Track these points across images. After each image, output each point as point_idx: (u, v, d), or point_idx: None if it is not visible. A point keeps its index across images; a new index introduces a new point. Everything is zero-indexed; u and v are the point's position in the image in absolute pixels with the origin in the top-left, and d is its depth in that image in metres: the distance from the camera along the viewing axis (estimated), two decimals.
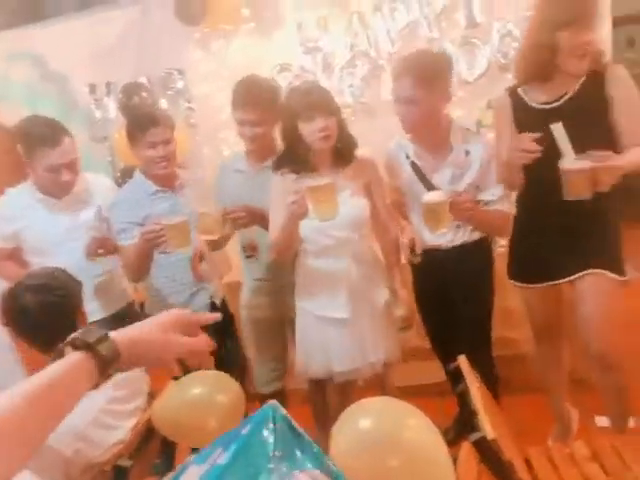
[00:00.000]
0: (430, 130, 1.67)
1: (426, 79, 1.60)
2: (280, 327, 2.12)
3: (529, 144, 1.59)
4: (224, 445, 0.84)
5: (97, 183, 2.24)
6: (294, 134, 1.66)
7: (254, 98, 1.90)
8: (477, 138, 1.79)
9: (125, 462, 1.22)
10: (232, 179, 2.05)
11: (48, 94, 3.72)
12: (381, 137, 2.05)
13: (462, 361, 1.48)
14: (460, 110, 1.93)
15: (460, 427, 2.09)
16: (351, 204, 1.70)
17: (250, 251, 1.91)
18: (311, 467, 0.79)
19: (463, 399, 1.58)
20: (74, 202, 2.10)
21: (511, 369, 2.10)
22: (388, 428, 0.91)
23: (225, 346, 2.09)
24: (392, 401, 1.03)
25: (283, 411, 0.86)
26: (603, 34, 1.73)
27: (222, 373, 1.54)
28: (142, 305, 3.52)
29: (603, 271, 1.77)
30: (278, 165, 1.74)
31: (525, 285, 1.95)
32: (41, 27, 3.76)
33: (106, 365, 0.74)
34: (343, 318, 1.73)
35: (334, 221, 1.65)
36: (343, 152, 1.72)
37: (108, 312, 2.19)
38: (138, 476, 1.32)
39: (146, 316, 2.63)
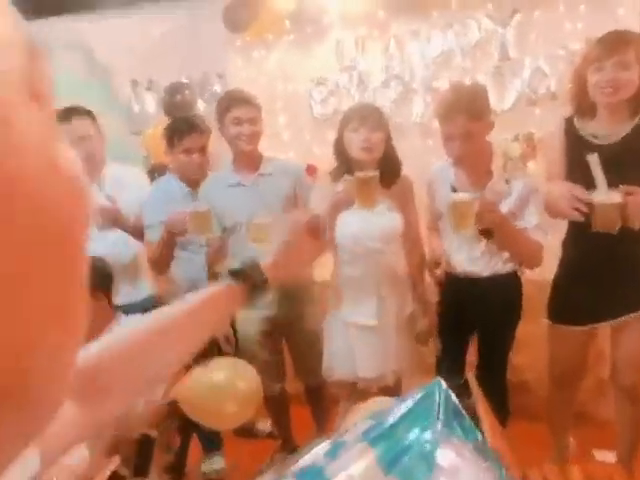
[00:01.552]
0: (477, 159, 1.74)
1: (477, 113, 1.68)
2: (276, 335, 2.18)
3: (579, 195, 1.64)
4: (397, 405, 0.96)
5: (128, 172, 2.32)
6: (341, 148, 1.75)
7: (250, 98, 2.00)
8: (518, 167, 1.85)
9: (152, 432, 1.30)
10: (228, 194, 2.03)
11: (92, 85, 3.88)
12: (410, 158, 2.12)
13: (470, 377, 1.55)
14: None
15: None
16: (386, 217, 1.79)
17: None
18: (466, 439, 0.90)
19: (468, 413, 1.65)
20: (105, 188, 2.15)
21: (511, 394, 2.15)
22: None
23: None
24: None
25: (446, 388, 0.96)
26: None
27: (242, 361, 1.63)
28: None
29: None
30: (334, 177, 1.81)
31: (566, 327, 1.97)
32: (91, 20, 3.93)
33: (255, 290, 0.78)
34: (372, 325, 1.80)
35: (368, 232, 1.74)
36: (388, 172, 1.79)
37: (135, 298, 2.27)
38: (156, 451, 1.40)
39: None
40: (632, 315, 1.85)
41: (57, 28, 3.94)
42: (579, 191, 1.68)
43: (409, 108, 3.37)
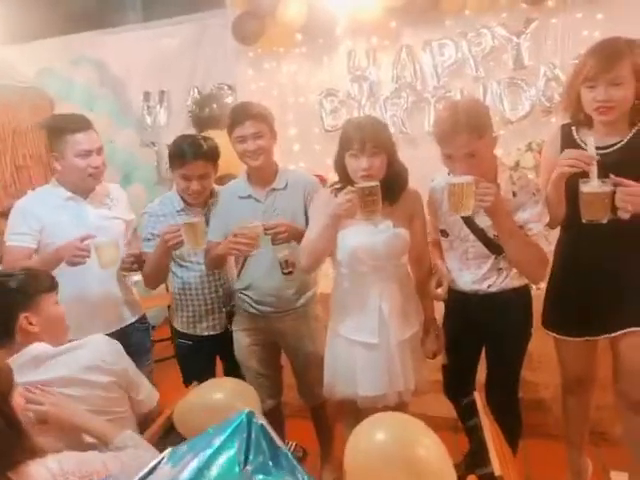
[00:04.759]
0: (480, 176, 1.67)
1: (478, 132, 1.61)
2: (273, 352, 2.15)
3: (579, 155, 1.58)
4: (196, 452, 0.92)
5: (119, 193, 2.23)
6: (342, 166, 1.70)
7: (253, 113, 1.93)
8: (525, 179, 1.79)
9: None
10: (239, 206, 1.99)
11: (105, 98, 3.93)
12: (422, 168, 2.06)
13: (476, 396, 1.50)
14: (499, 150, 1.93)
15: (470, 464, 2.08)
16: (391, 234, 1.73)
17: (288, 267, 1.95)
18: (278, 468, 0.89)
19: (474, 435, 1.59)
20: (98, 203, 2.08)
21: (527, 413, 2.08)
22: (400, 444, 0.97)
23: (232, 359, 2.14)
24: (405, 417, 1.08)
25: (259, 421, 0.92)
26: None
27: (241, 381, 1.60)
28: (169, 307, 3.62)
29: None
30: (336, 193, 1.75)
31: (561, 337, 1.91)
32: (105, 34, 4.00)
33: None
34: (372, 343, 1.76)
35: (371, 249, 1.70)
36: (391, 189, 1.72)
37: (136, 316, 2.21)
38: None
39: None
40: (632, 329, 1.74)
41: (74, 44, 4.02)
42: (575, 152, 1.62)
43: (421, 118, 3.33)
